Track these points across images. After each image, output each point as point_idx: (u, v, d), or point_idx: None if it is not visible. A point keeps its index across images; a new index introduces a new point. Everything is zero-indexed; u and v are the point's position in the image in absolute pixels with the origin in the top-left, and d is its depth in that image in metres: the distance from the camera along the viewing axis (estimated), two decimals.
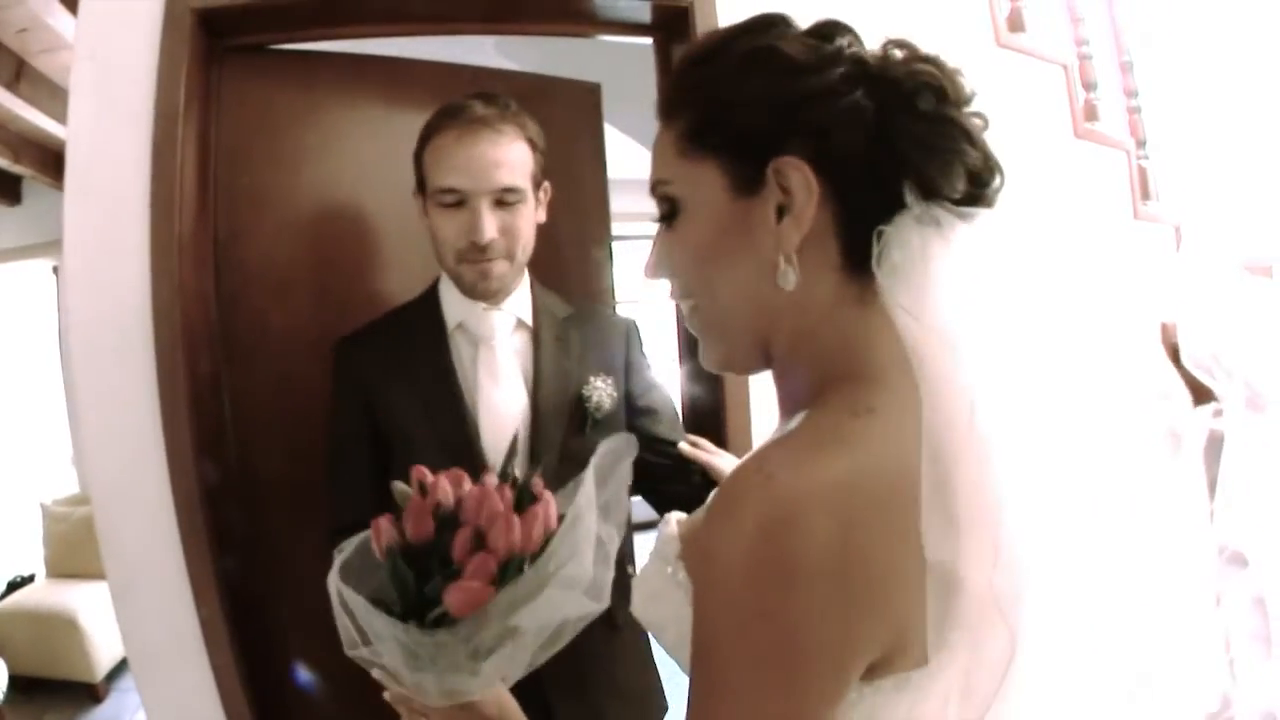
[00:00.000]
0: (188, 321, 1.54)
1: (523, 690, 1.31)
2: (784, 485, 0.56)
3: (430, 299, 1.42)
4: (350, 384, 1.41)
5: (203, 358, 1.60)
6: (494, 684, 0.87)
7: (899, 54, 0.67)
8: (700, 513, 0.74)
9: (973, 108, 0.68)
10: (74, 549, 4.35)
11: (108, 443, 1.57)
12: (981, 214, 0.66)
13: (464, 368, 1.37)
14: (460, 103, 1.31)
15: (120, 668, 4.19)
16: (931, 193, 0.65)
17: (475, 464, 1.29)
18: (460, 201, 1.29)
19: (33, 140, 4.00)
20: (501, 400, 1.36)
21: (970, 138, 0.66)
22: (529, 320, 1.42)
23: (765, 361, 0.73)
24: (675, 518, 0.80)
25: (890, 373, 0.63)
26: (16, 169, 4.11)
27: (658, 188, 0.72)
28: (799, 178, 0.64)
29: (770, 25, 0.69)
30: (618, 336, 1.48)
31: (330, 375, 1.44)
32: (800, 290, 0.66)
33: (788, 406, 0.73)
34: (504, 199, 1.30)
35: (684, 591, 0.71)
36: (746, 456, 0.64)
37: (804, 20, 0.72)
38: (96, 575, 4.21)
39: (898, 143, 0.65)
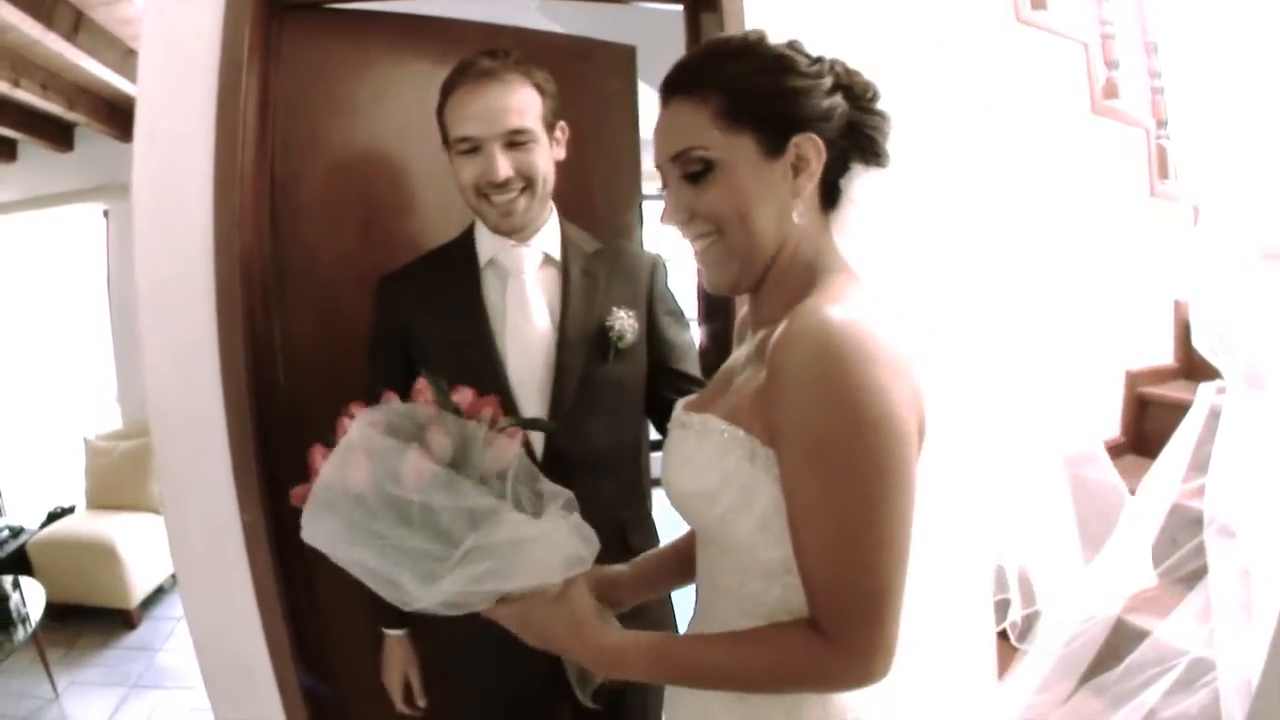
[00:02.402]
0: (245, 253, 1.68)
1: None
2: (829, 314, 0.82)
3: (466, 240, 1.53)
4: (387, 319, 1.53)
5: (257, 286, 1.74)
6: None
7: (842, 68, 0.97)
8: (739, 387, 0.97)
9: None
10: (115, 482, 4.55)
11: (167, 361, 1.72)
12: (894, 170, 0.98)
13: (493, 300, 1.47)
14: (469, 60, 1.42)
15: (154, 596, 4.41)
16: (870, 157, 0.97)
17: (502, 392, 1.39)
18: (475, 148, 1.40)
19: (87, 89, 4.14)
20: (528, 331, 1.46)
21: (889, 122, 0.97)
22: (557, 256, 1.51)
23: (760, 281, 0.99)
24: (684, 404, 1.05)
25: (846, 266, 0.95)
26: (70, 116, 4.25)
27: (692, 152, 0.94)
28: (814, 148, 0.92)
29: (763, 40, 0.96)
30: (643, 270, 1.56)
31: (372, 308, 1.56)
32: (804, 230, 0.96)
33: (767, 316, 0.98)
34: (515, 140, 1.40)
35: (738, 443, 0.91)
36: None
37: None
38: (135, 507, 4.47)
39: (859, 127, 0.95)
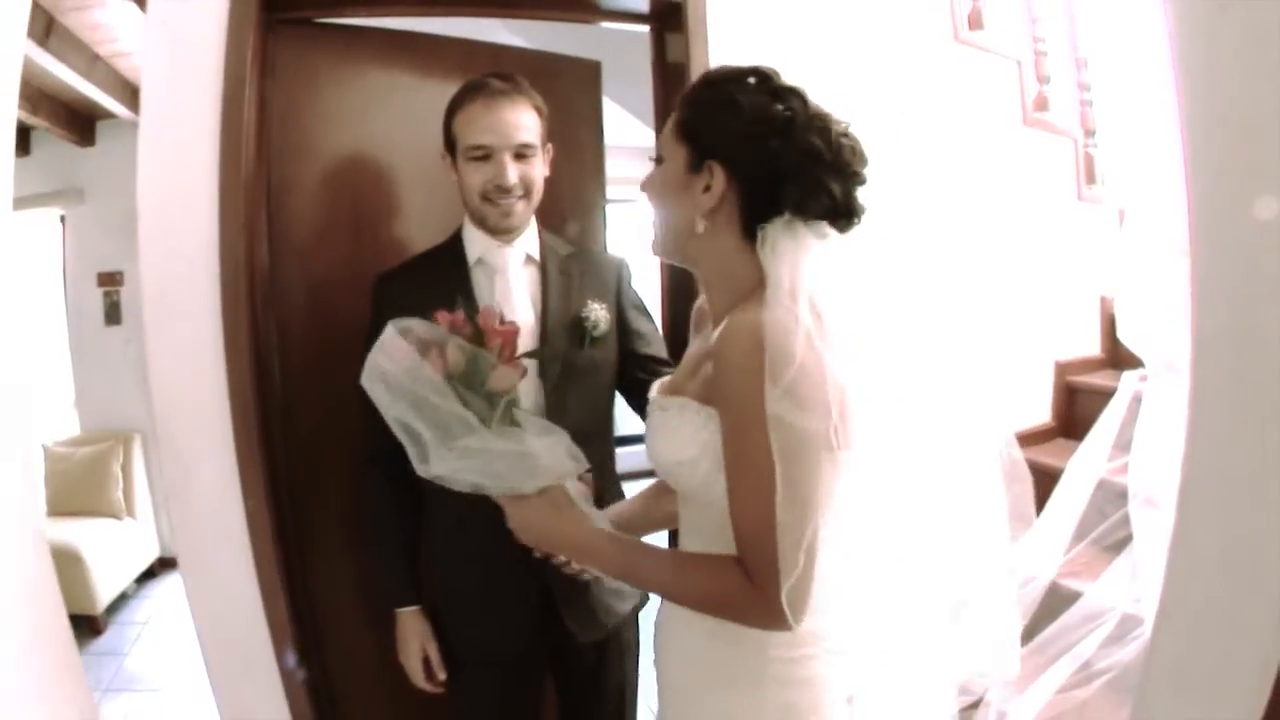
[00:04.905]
0: (248, 257, 1.78)
1: (526, 567, 1.57)
2: (757, 317, 1.00)
3: (455, 242, 1.68)
4: (387, 316, 1.63)
5: (258, 288, 1.83)
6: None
7: (803, 132, 1.08)
8: (695, 375, 1.16)
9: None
10: (75, 487, 4.52)
11: (171, 358, 1.81)
12: (825, 228, 1.09)
13: (482, 295, 1.63)
14: (482, 80, 1.60)
15: (119, 601, 4.38)
16: (799, 213, 1.08)
17: None
18: (487, 155, 1.57)
19: (50, 94, 4.13)
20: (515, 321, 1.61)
21: (835, 184, 1.08)
22: (536, 256, 1.68)
23: (694, 270, 1.20)
24: (659, 390, 1.25)
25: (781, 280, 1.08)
26: (32, 121, 4.23)
27: (657, 146, 1.19)
28: (718, 174, 1.10)
29: (736, 79, 1.12)
30: (611, 271, 1.75)
31: (364, 307, 1.67)
32: (719, 242, 1.13)
33: (714, 315, 1.17)
34: (522, 152, 1.59)
35: (712, 419, 1.08)
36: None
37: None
38: (97, 512, 4.45)
39: (784, 185, 1.08)
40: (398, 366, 1.14)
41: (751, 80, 1.12)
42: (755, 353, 0.98)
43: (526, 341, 1.60)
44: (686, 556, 1.14)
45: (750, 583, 1.02)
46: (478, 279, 1.64)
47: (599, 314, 1.64)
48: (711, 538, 1.14)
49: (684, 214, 1.14)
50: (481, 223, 1.63)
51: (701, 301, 1.32)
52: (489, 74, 1.61)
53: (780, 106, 1.08)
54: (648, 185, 1.20)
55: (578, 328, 1.64)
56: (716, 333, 1.06)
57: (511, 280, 1.64)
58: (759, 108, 1.09)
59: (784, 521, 0.98)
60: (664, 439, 1.15)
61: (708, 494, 1.12)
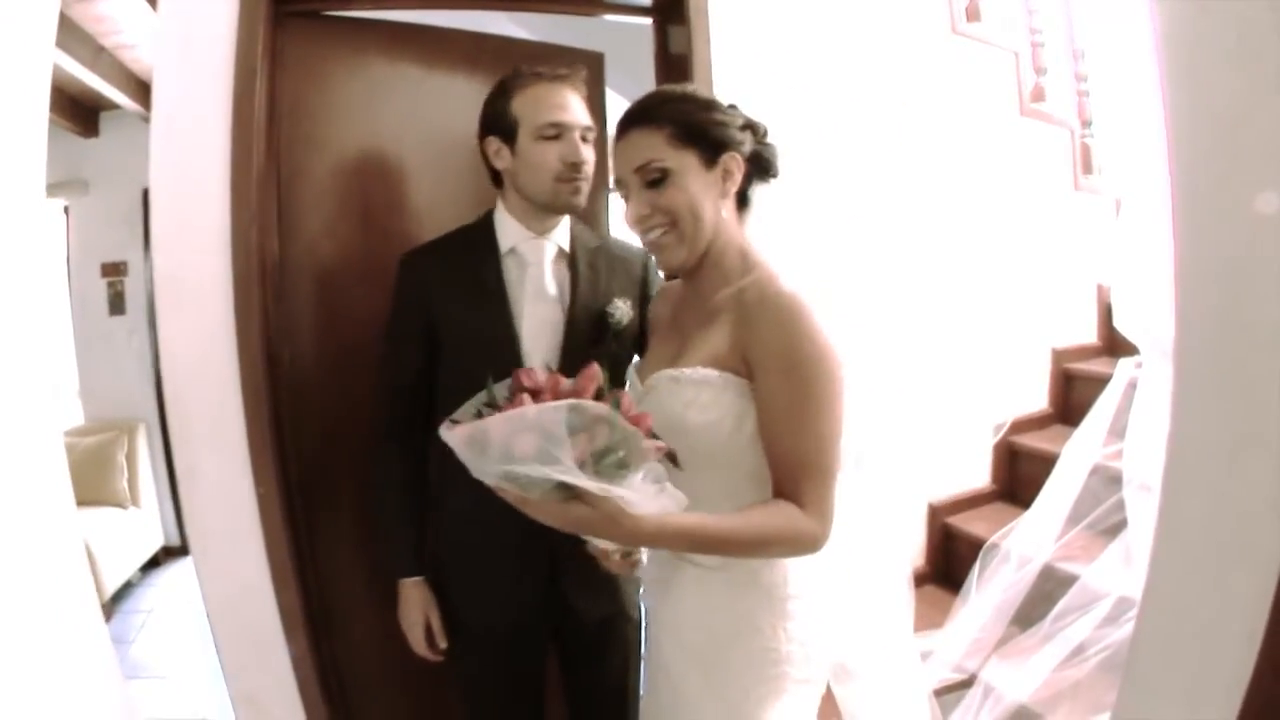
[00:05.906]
0: (259, 247, 1.81)
1: (535, 539, 1.60)
2: (784, 284, 1.23)
3: (486, 226, 1.68)
4: (411, 291, 1.66)
5: (269, 276, 1.87)
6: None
7: (746, 116, 1.37)
8: (706, 341, 1.29)
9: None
10: (80, 477, 4.35)
11: (184, 346, 1.84)
12: (778, 184, 1.39)
13: (512, 284, 1.64)
14: (536, 68, 1.62)
15: (124, 590, 4.42)
16: (766, 176, 1.38)
17: (516, 361, 1.60)
18: (559, 134, 1.58)
19: (54, 85, 4.12)
20: (541, 312, 1.63)
21: (776, 152, 1.38)
22: (567, 249, 1.68)
23: (699, 263, 1.33)
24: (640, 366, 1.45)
25: (761, 254, 1.34)
26: None
27: (652, 164, 1.28)
28: (736, 163, 1.31)
29: (697, 90, 1.39)
30: (637, 264, 1.76)
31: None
32: (726, 217, 1.32)
33: (705, 291, 1.34)
34: (585, 135, 1.62)
35: (731, 384, 1.24)
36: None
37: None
38: (101, 502, 4.48)
39: (758, 156, 1.35)
40: (544, 456, 1.03)
41: (692, 89, 1.39)
42: (798, 315, 1.18)
43: (550, 336, 1.64)
44: (744, 511, 1.20)
45: (804, 511, 1.17)
46: (508, 268, 1.65)
47: (623, 310, 1.66)
48: (736, 497, 1.25)
49: (713, 205, 1.30)
50: (551, 203, 1.62)
51: (659, 299, 1.58)
52: (540, 67, 1.62)
53: (722, 104, 1.34)
54: (669, 199, 1.28)
55: (601, 322, 1.65)
56: (744, 301, 1.24)
57: (545, 274, 1.66)
58: (725, 106, 1.34)
59: (833, 451, 1.19)
60: (684, 406, 1.26)
61: (728, 454, 1.27)
